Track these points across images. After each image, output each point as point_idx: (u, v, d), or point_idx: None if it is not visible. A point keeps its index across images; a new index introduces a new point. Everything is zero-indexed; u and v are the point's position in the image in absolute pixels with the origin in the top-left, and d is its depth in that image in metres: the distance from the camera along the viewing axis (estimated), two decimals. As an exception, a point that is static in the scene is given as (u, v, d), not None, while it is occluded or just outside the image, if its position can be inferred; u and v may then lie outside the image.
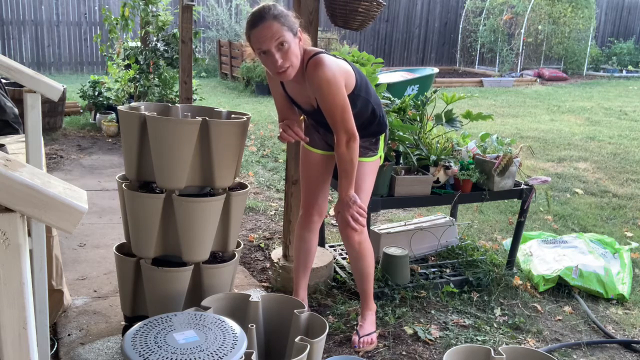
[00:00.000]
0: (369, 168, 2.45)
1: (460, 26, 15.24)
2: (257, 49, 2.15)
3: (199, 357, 1.68)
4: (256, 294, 2.29)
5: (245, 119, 2.35)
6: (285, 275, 2.98)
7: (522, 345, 2.54)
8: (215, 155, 2.25)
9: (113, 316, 2.67)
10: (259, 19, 2.11)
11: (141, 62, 6.36)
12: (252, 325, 2.07)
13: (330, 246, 3.48)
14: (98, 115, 6.73)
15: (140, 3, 6.17)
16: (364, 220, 2.35)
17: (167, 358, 1.67)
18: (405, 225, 3.43)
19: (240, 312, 2.20)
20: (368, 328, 2.54)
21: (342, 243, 3.56)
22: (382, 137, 2.50)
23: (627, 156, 6.21)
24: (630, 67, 15.00)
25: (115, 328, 2.57)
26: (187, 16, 4.47)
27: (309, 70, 2.20)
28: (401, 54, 15.01)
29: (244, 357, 1.76)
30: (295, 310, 2.17)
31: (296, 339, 1.97)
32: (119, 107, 2.36)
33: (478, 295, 3.01)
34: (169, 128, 2.17)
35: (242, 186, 2.53)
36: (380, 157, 2.53)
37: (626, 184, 5.24)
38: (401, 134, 2.93)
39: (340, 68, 2.24)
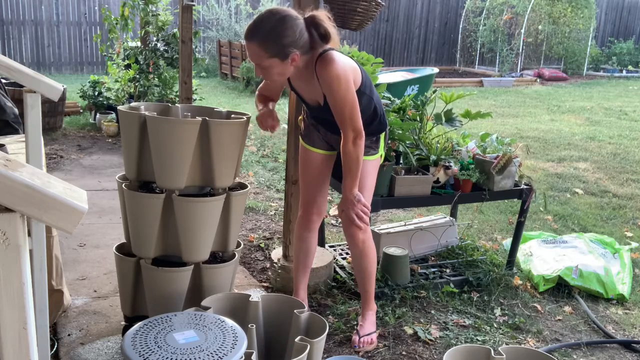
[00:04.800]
0: (371, 166, 2.46)
1: (460, 26, 15.23)
2: None
3: (199, 357, 1.68)
4: (256, 294, 2.29)
5: (245, 119, 2.35)
6: (285, 275, 2.98)
7: (522, 345, 2.54)
8: (215, 155, 2.25)
9: (113, 316, 2.67)
10: (247, 35, 2.16)
11: (141, 62, 6.36)
12: (252, 325, 2.07)
13: (330, 246, 3.48)
14: (98, 115, 6.73)
15: (140, 3, 6.17)
16: (367, 219, 2.35)
17: (167, 358, 1.67)
18: (405, 225, 3.43)
19: (240, 312, 2.20)
20: (368, 328, 2.54)
21: (342, 243, 3.56)
22: (382, 136, 2.51)
23: (627, 156, 6.21)
24: (630, 67, 15.00)
25: (115, 328, 2.57)
26: (187, 16, 4.46)
27: (319, 67, 2.20)
28: (401, 54, 15.01)
29: (244, 357, 1.76)
30: (295, 310, 2.17)
31: (296, 339, 1.97)
32: (119, 107, 2.36)
33: (478, 295, 3.01)
34: (169, 128, 2.17)
35: (242, 186, 2.53)
36: (381, 155, 2.54)
37: (626, 184, 5.24)
38: (401, 132, 2.93)
39: (349, 64, 2.24)
